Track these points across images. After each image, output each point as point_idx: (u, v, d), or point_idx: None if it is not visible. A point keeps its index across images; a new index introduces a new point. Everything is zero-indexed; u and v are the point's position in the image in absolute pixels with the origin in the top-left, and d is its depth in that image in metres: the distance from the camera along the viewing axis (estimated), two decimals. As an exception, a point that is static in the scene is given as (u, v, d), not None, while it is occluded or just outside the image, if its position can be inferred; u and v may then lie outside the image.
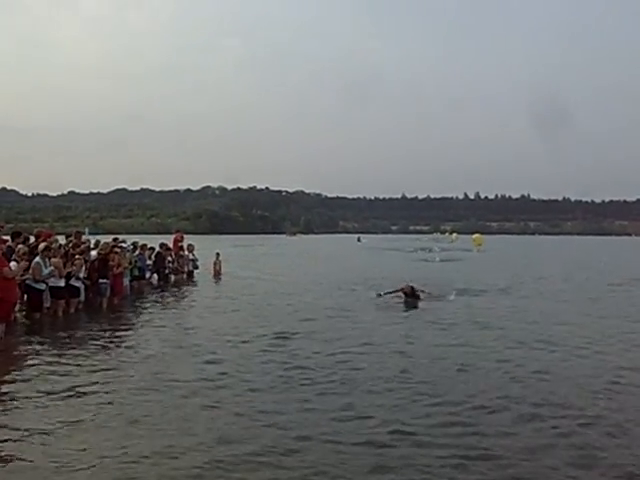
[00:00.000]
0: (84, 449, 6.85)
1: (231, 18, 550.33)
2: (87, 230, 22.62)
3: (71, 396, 8.85)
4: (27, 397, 8.85)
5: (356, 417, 8.07)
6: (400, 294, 20.12)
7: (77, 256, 17.17)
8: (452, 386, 9.70)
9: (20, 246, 15.41)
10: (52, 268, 15.57)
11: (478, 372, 10.68)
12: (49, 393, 8.98)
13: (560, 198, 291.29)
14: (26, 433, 7.37)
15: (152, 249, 25.07)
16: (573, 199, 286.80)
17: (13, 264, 13.67)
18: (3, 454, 6.75)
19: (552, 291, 24.78)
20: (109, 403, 8.47)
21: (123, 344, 12.97)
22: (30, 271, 14.57)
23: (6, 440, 7.15)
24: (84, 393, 9.00)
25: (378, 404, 8.62)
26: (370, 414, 8.15)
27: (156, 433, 7.41)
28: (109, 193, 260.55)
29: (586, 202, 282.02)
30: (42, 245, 16.04)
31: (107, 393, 9.00)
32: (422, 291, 20.44)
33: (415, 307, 19.05)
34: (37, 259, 15.21)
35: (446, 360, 11.64)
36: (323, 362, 11.29)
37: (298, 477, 6.29)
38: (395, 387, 9.58)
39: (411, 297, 19.90)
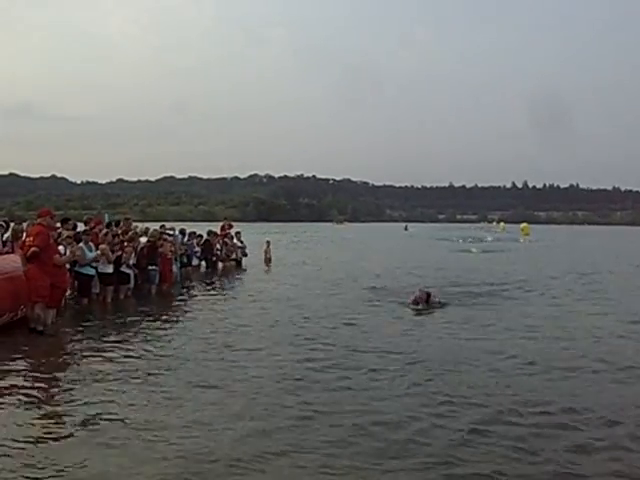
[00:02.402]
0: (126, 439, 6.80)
1: (276, 8, 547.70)
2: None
3: (120, 380, 8.86)
4: (76, 379, 8.92)
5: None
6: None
7: (126, 243, 17.24)
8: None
9: (65, 231, 15.55)
10: (98, 252, 15.65)
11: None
12: (96, 378, 9.00)
13: (610, 187, 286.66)
14: (78, 412, 7.37)
15: (200, 236, 25.14)
16: (623, 188, 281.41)
17: (60, 248, 13.77)
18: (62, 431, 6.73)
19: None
20: (162, 392, 8.40)
21: (172, 331, 13.00)
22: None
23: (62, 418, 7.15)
24: (133, 379, 8.99)
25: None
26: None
27: (209, 425, 7.27)
28: (157, 181, 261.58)
29: (637, 192, 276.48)
30: (82, 229, 16.20)
31: (155, 384, 8.92)
32: (439, 302, 16.92)
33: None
34: (80, 244, 15.29)
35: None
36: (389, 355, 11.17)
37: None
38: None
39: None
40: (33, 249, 11.95)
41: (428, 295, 16.66)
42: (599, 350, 11.59)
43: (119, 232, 18.06)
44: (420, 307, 16.22)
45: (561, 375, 9.64)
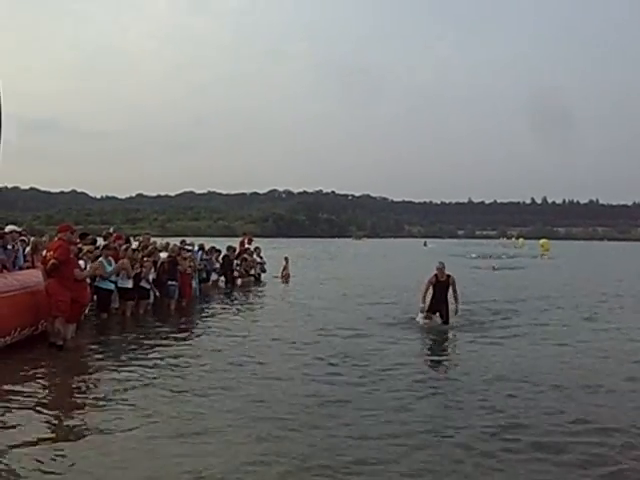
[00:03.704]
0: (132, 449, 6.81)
1: (297, 23, 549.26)
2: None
3: (139, 395, 8.88)
4: (94, 394, 8.98)
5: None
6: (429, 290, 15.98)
7: (146, 258, 17.28)
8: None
9: (84, 246, 15.65)
10: (117, 266, 15.71)
11: None
12: (115, 393, 9.01)
13: (630, 203, 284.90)
14: (96, 427, 7.41)
15: (219, 252, 25.16)
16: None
17: (80, 263, 13.84)
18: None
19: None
20: (180, 406, 8.39)
21: (191, 347, 13.01)
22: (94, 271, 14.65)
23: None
24: (152, 394, 9.02)
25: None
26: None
27: (227, 446, 7.22)
28: (177, 196, 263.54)
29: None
30: (102, 244, 16.32)
31: (173, 399, 8.92)
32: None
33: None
34: (100, 258, 15.36)
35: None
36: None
37: None
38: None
39: (440, 290, 15.92)
40: (52, 261, 12.03)
41: (448, 276, 16.00)
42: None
43: (139, 247, 18.13)
44: (433, 322, 15.74)
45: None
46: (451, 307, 16.08)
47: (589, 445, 7.24)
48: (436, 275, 16.00)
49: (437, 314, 15.90)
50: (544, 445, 7.20)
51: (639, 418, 8.32)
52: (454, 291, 16.01)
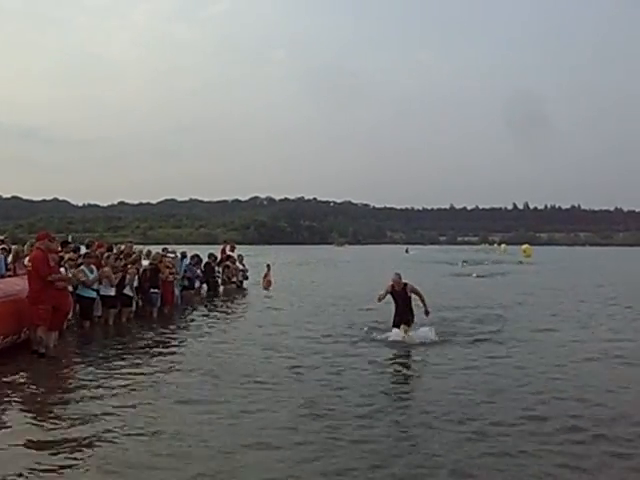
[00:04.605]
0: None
1: (280, 29, 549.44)
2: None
3: (121, 405, 8.88)
4: (77, 402, 8.99)
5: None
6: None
7: (129, 265, 17.30)
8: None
9: (66, 254, 15.66)
10: (98, 274, 15.72)
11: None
12: (98, 402, 9.04)
13: (612, 208, 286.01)
14: (78, 436, 7.42)
15: (201, 259, 25.12)
16: (626, 209, 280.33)
17: (62, 270, 13.87)
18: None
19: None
20: (161, 417, 8.44)
21: (173, 355, 13.03)
22: (74, 279, 14.68)
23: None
24: (134, 403, 9.04)
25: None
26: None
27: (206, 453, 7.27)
28: (158, 203, 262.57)
29: (639, 212, 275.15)
30: (82, 252, 16.38)
31: (155, 409, 8.93)
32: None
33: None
34: (81, 266, 15.38)
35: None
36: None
37: None
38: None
39: (401, 299, 15.42)
40: (49, 279, 12.09)
41: (405, 284, 15.43)
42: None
43: (120, 255, 18.12)
44: (404, 337, 14.63)
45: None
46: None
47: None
48: (392, 286, 15.51)
49: (403, 326, 15.00)
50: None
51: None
52: (418, 295, 15.56)
